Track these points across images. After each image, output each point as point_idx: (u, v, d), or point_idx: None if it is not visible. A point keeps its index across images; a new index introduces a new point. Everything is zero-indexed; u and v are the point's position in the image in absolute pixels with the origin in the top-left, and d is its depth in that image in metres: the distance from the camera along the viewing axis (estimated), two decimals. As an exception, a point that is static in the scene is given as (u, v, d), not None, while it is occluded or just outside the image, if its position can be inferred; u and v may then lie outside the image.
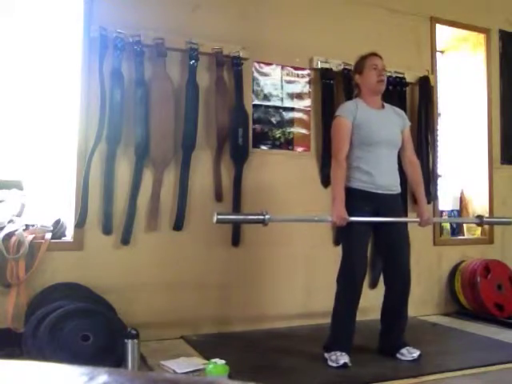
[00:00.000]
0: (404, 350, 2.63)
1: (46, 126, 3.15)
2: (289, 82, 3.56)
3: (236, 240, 3.29)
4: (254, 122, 3.42)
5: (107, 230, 2.99)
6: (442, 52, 4.41)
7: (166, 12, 3.20)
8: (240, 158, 3.31)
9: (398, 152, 2.82)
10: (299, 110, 3.58)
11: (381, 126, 2.69)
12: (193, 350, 2.81)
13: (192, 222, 3.19)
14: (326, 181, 3.58)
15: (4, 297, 2.68)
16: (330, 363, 2.53)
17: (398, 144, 2.78)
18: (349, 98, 3.57)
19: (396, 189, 2.75)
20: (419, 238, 3.75)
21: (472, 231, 4.26)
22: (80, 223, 2.92)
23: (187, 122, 3.14)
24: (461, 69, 4.38)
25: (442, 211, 4.19)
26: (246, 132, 3.33)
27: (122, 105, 2.99)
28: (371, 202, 2.65)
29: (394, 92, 3.71)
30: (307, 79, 3.62)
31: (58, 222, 2.96)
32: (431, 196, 3.89)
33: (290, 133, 3.54)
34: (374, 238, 2.86)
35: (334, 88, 3.62)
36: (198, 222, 3.20)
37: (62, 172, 3.11)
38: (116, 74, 3.00)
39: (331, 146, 2.82)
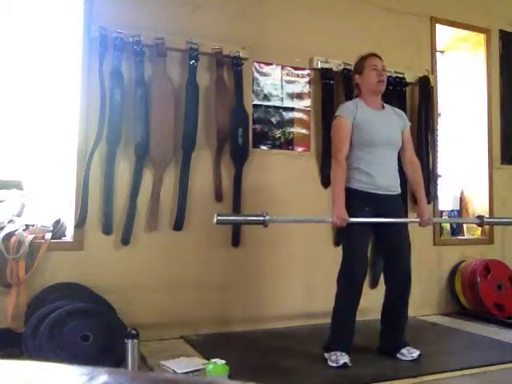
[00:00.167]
0: (404, 350, 2.63)
1: (46, 126, 3.15)
2: (289, 81, 3.56)
3: (236, 240, 3.29)
4: (254, 121, 3.42)
5: (107, 230, 2.99)
6: (441, 52, 4.41)
7: (165, 12, 3.20)
8: (240, 158, 3.31)
9: (398, 152, 2.82)
10: (299, 110, 3.58)
11: (381, 126, 2.69)
12: (193, 350, 2.81)
13: (192, 222, 3.19)
14: (326, 181, 3.58)
15: (4, 297, 2.68)
16: (330, 363, 2.53)
17: (398, 144, 2.78)
18: (349, 97, 3.57)
19: (396, 189, 2.75)
20: (419, 238, 3.75)
21: (472, 231, 4.26)
22: (80, 223, 2.92)
23: (187, 122, 3.14)
24: (461, 69, 4.39)
25: (441, 211, 4.19)
26: (246, 132, 3.33)
27: (121, 105, 2.99)
28: (371, 202, 2.65)
29: (394, 92, 3.71)
30: (307, 79, 3.62)
31: (58, 222, 2.96)
32: (431, 196, 3.89)
33: (290, 133, 3.54)
34: (374, 239, 2.86)
35: (333, 88, 3.62)
36: (198, 222, 3.20)
37: (62, 172, 3.11)
38: (116, 73, 3.00)
39: (331, 146, 2.82)
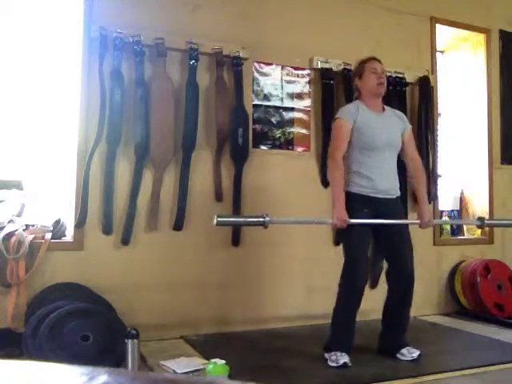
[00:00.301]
0: (404, 350, 2.63)
1: (46, 126, 3.15)
2: (289, 81, 3.56)
3: (236, 240, 3.29)
4: (254, 121, 3.42)
5: (107, 230, 2.99)
6: (441, 52, 4.41)
7: (165, 12, 3.20)
8: (240, 158, 3.31)
9: (399, 154, 2.82)
10: (299, 110, 3.58)
11: (381, 130, 2.69)
12: (193, 350, 2.81)
13: (192, 222, 3.19)
14: (325, 181, 3.58)
15: (4, 297, 2.68)
16: (330, 363, 2.53)
17: (398, 147, 2.78)
18: (349, 98, 3.58)
19: (395, 193, 2.75)
20: (419, 238, 3.74)
21: (472, 231, 4.26)
22: (80, 223, 2.92)
23: (187, 122, 3.14)
24: (461, 69, 4.38)
25: (441, 211, 4.19)
26: (246, 132, 3.33)
27: (122, 105, 2.99)
28: (371, 205, 2.65)
29: (394, 92, 3.71)
30: (307, 79, 3.62)
31: (58, 222, 2.96)
32: (431, 196, 3.89)
33: (290, 133, 3.54)
34: (375, 242, 2.85)
35: (333, 88, 3.62)
36: (198, 222, 3.20)
37: (62, 172, 3.11)
38: (116, 73, 3.00)
39: (329, 147, 2.82)
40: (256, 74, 3.46)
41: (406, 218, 3.55)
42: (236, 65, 3.31)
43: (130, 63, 3.06)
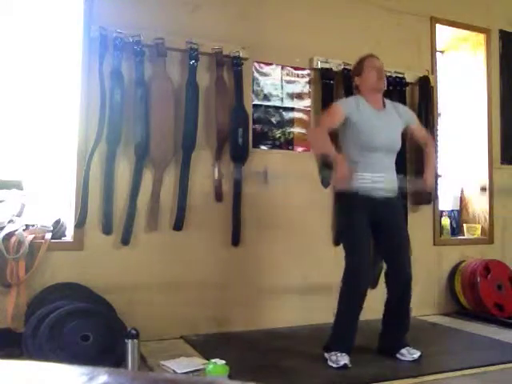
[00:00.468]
0: (404, 350, 2.63)
1: (46, 126, 3.15)
2: (289, 81, 3.56)
3: (236, 240, 3.29)
4: (254, 121, 3.42)
5: (107, 230, 2.99)
6: (441, 52, 4.41)
7: (165, 12, 3.20)
8: (240, 157, 3.31)
9: (411, 137, 2.85)
10: (299, 110, 3.58)
11: (381, 129, 2.67)
12: (193, 350, 2.81)
13: (192, 222, 3.19)
14: (325, 181, 3.58)
15: (4, 297, 2.68)
16: (330, 363, 2.52)
17: (398, 148, 2.77)
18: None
19: (394, 193, 2.74)
20: (419, 238, 3.75)
21: (472, 231, 4.26)
22: (80, 223, 2.92)
23: (187, 122, 3.14)
24: (461, 69, 4.38)
25: (441, 211, 4.19)
26: (246, 132, 3.32)
27: (122, 105, 2.99)
28: (370, 204, 2.64)
29: (394, 92, 3.70)
30: (307, 79, 3.62)
31: (58, 222, 2.96)
32: (431, 196, 3.89)
33: (289, 133, 3.54)
34: (374, 243, 2.84)
35: (333, 88, 3.62)
36: (198, 222, 3.20)
37: (62, 172, 3.11)
38: (116, 73, 3.00)
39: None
40: (256, 74, 3.46)
41: (406, 218, 3.55)
42: (236, 65, 3.31)
43: (130, 63, 3.06)
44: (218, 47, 3.25)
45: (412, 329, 2.78)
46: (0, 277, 2.67)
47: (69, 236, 3.00)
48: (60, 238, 2.96)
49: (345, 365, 2.48)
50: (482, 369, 2.50)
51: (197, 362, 2.53)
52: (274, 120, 3.50)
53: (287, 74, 3.56)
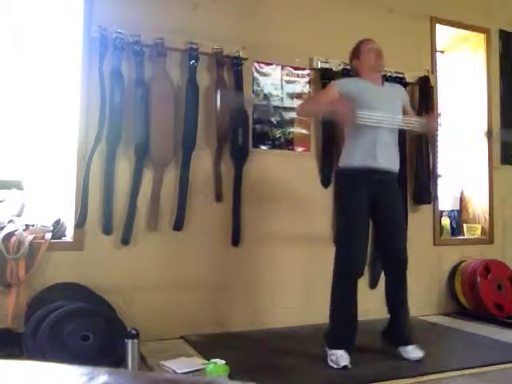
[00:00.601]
0: (410, 348, 2.63)
1: (46, 126, 3.15)
2: (289, 81, 3.56)
3: (236, 240, 3.29)
4: (254, 122, 3.42)
5: (107, 230, 2.99)
6: (442, 52, 4.41)
7: (165, 12, 3.20)
8: (240, 157, 3.31)
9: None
10: (299, 110, 3.58)
11: (382, 102, 2.68)
12: (193, 350, 2.81)
13: (192, 221, 3.19)
14: (325, 181, 3.59)
15: (4, 297, 2.68)
16: (331, 364, 2.52)
17: (399, 120, 2.75)
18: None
19: (395, 169, 2.72)
20: (419, 238, 3.75)
21: (472, 231, 4.26)
22: (80, 223, 2.92)
23: (187, 122, 3.14)
24: (461, 69, 4.38)
25: (442, 211, 4.19)
26: (246, 132, 3.33)
27: (121, 105, 2.99)
28: (370, 182, 2.62)
29: (394, 92, 3.71)
30: (307, 79, 3.62)
31: (58, 222, 2.96)
32: (431, 196, 3.89)
33: (290, 133, 3.54)
34: (373, 229, 2.82)
35: (333, 88, 3.61)
36: (198, 221, 3.20)
37: (62, 172, 3.11)
38: (116, 73, 3.00)
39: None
40: (256, 74, 3.46)
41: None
42: (236, 65, 3.31)
43: (130, 63, 3.06)
44: (218, 47, 3.25)
45: (412, 329, 2.78)
46: (0, 277, 2.67)
47: (69, 236, 3.00)
48: (60, 238, 2.96)
49: (345, 366, 2.47)
50: (482, 369, 2.50)
51: (197, 362, 2.53)
52: (274, 120, 3.50)
53: (287, 74, 3.56)
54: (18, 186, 2.98)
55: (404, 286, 2.71)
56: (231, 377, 2.25)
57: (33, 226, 2.82)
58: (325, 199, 3.53)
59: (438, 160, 4.00)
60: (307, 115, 2.75)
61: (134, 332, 2.24)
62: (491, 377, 2.42)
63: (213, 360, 2.31)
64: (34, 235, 2.76)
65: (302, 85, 3.60)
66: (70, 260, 2.90)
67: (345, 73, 3.58)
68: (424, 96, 3.90)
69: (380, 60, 2.76)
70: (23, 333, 2.43)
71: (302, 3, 3.60)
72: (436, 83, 4.02)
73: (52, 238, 2.85)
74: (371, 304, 3.45)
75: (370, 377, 2.38)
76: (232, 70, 3.32)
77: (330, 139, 3.58)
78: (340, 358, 2.50)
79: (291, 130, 3.55)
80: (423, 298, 3.77)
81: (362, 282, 3.48)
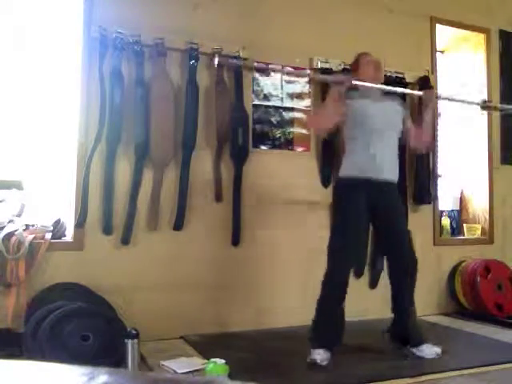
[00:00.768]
0: (424, 347, 2.64)
1: (46, 126, 3.15)
2: (289, 81, 3.56)
3: (236, 240, 3.29)
4: (254, 122, 3.42)
5: (107, 229, 2.99)
6: (442, 52, 4.41)
7: (165, 12, 3.20)
8: (240, 157, 3.31)
9: (403, 139, 2.85)
10: (299, 110, 3.58)
11: (381, 111, 2.71)
12: (193, 350, 2.81)
13: (192, 221, 3.19)
14: (326, 181, 3.59)
15: (4, 297, 2.68)
16: (308, 360, 2.50)
17: (399, 129, 2.78)
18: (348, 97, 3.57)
19: (394, 179, 2.73)
20: (419, 238, 3.74)
21: (472, 231, 4.26)
22: (80, 223, 2.92)
23: (187, 122, 3.14)
24: (461, 69, 4.38)
25: (442, 211, 4.19)
26: (246, 132, 3.33)
27: (121, 105, 2.99)
28: (368, 190, 2.63)
29: (394, 92, 3.70)
30: (307, 79, 3.62)
31: (57, 222, 2.96)
32: (431, 196, 3.89)
33: (290, 133, 3.54)
34: (373, 228, 2.82)
35: (333, 88, 3.62)
36: (198, 221, 3.20)
37: (62, 172, 3.11)
38: (116, 73, 3.00)
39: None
40: (256, 74, 3.46)
41: (407, 212, 3.55)
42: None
43: (130, 63, 3.06)
44: (218, 47, 3.25)
45: (421, 327, 2.78)
46: (0, 277, 2.67)
47: (69, 236, 3.00)
48: (60, 238, 2.96)
49: (312, 360, 2.45)
50: (482, 369, 2.50)
51: (197, 362, 2.53)
52: (274, 120, 3.50)
53: (287, 74, 3.56)
54: (18, 186, 2.98)
55: (411, 289, 2.71)
56: (231, 377, 2.25)
57: (33, 225, 2.82)
58: (325, 199, 3.53)
59: (438, 160, 4.00)
60: (319, 125, 2.75)
61: (134, 332, 2.24)
62: (491, 377, 2.42)
63: (212, 359, 2.31)
64: (34, 235, 2.76)
65: (301, 85, 3.60)
66: (70, 260, 2.90)
67: (345, 73, 3.58)
68: (424, 96, 3.89)
69: (379, 72, 2.80)
70: (23, 333, 2.43)
71: (302, 3, 3.60)
72: (436, 83, 4.02)
73: (52, 238, 2.85)
74: (371, 304, 3.46)
75: (370, 377, 2.38)
76: (232, 69, 3.32)
77: (330, 139, 3.57)
78: (317, 356, 2.49)
79: (291, 129, 3.55)
80: (423, 298, 3.76)
81: (362, 282, 3.50)
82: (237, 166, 3.30)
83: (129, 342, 2.22)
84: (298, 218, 3.47)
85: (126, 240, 3.01)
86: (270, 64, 3.49)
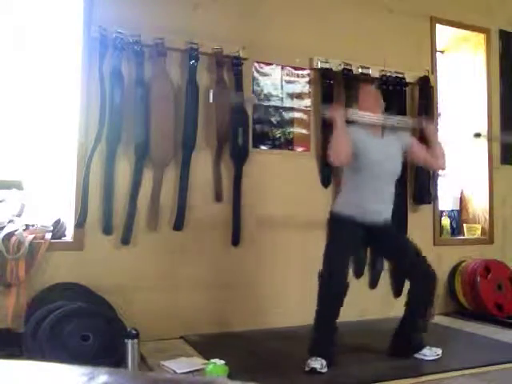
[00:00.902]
0: (425, 350, 2.64)
1: (46, 126, 3.15)
2: (289, 82, 3.56)
3: (236, 240, 3.29)
4: (254, 122, 3.42)
5: (107, 229, 2.99)
6: (442, 52, 4.41)
7: (166, 12, 3.20)
8: (240, 157, 3.31)
9: (413, 160, 2.88)
10: (299, 110, 3.58)
11: (380, 154, 2.66)
12: (193, 350, 2.81)
13: (192, 221, 3.19)
14: (325, 181, 3.59)
15: (4, 297, 2.68)
16: (306, 368, 2.45)
17: (398, 174, 2.77)
18: (349, 98, 3.57)
19: (388, 219, 2.72)
20: (419, 238, 3.74)
21: (472, 231, 4.26)
22: (80, 223, 2.92)
23: (187, 122, 3.14)
24: (461, 69, 4.38)
25: (442, 211, 4.19)
26: (246, 132, 3.33)
27: (121, 105, 2.99)
28: (362, 227, 2.64)
29: (394, 92, 3.71)
30: (307, 79, 3.62)
31: (57, 222, 2.96)
32: (431, 196, 3.89)
33: (290, 133, 3.54)
34: (376, 254, 2.82)
35: (333, 88, 3.62)
36: (198, 221, 3.20)
37: (62, 172, 3.11)
38: (116, 73, 3.00)
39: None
40: (256, 74, 3.46)
41: (406, 211, 3.54)
42: (236, 65, 3.31)
43: (130, 63, 3.06)
44: (218, 47, 3.25)
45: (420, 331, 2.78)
46: (0, 277, 2.67)
47: (69, 236, 3.00)
48: (60, 238, 2.96)
49: (313, 369, 2.42)
50: (482, 369, 2.50)
51: (197, 362, 2.53)
52: (274, 120, 3.50)
53: (287, 74, 3.56)
54: (18, 186, 2.98)
55: (429, 304, 2.72)
56: (231, 377, 2.25)
57: (33, 225, 2.82)
58: (325, 199, 3.53)
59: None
60: (339, 154, 2.68)
61: (134, 332, 2.24)
62: (491, 377, 2.42)
63: (212, 360, 2.31)
64: (34, 235, 2.76)
65: (301, 85, 3.60)
66: (70, 260, 2.90)
67: (345, 73, 3.59)
68: (424, 96, 3.89)
69: (377, 103, 2.77)
70: (23, 333, 2.43)
71: (302, 3, 3.60)
72: (436, 83, 4.02)
73: (52, 238, 2.85)
74: (371, 304, 3.46)
75: (372, 377, 2.38)
76: (232, 69, 3.32)
77: (330, 139, 3.58)
78: (317, 365, 2.44)
79: (291, 130, 3.54)
80: (423, 298, 3.77)
81: (362, 282, 3.50)
82: (237, 166, 3.30)
83: (129, 342, 2.22)
84: (297, 218, 3.47)
85: (125, 240, 3.01)
86: (270, 64, 3.50)
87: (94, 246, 2.97)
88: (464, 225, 4.31)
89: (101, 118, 2.95)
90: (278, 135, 3.50)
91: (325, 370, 2.44)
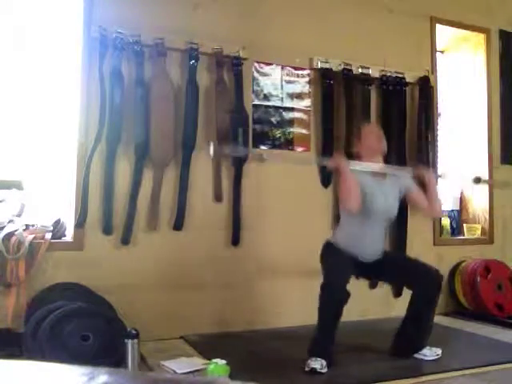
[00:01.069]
0: (426, 351, 2.64)
1: (46, 126, 3.15)
2: (289, 82, 3.56)
3: (236, 240, 3.29)
4: (254, 122, 3.42)
5: (107, 229, 2.99)
6: (442, 52, 4.41)
7: (166, 12, 3.20)
8: (240, 158, 3.31)
9: (411, 203, 2.91)
10: (299, 110, 3.58)
11: (380, 198, 2.69)
12: (193, 350, 2.81)
13: (192, 221, 3.19)
14: (325, 181, 3.59)
15: (4, 297, 2.68)
16: (306, 368, 2.45)
17: (393, 217, 2.81)
18: (349, 98, 3.58)
19: (380, 253, 2.77)
20: (419, 237, 3.75)
21: (472, 231, 4.26)
22: (80, 223, 2.92)
23: (187, 122, 3.14)
24: (461, 69, 4.38)
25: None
26: (246, 132, 3.33)
27: (121, 105, 2.99)
28: (355, 260, 2.69)
29: (394, 92, 3.71)
30: (307, 79, 3.62)
31: (57, 222, 2.96)
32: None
33: (290, 133, 3.54)
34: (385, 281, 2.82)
35: (333, 88, 3.62)
36: (198, 221, 3.20)
37: (62, 172, 3.11)
38: (116, 73, 3.00)
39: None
40: (256, 74, 3.46)
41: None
42: (236, 65, 3.31)
43: (130, 63, 3.06)
44: (218, 47, 3.25)
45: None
46: (0, 277, 2.67)
47: (69, 236, 3.00)
48: (60, 238, 2.96)
49: (313, 369, 2.42)
50: (482, 369, 2.50)
51: (197, 362, 2.53)
52: (274, 120, 3.50)
53: (287, 74, 3.56)
54: (18, 186, 2.98)
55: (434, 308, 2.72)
56: (231, 377, 2.25)
57: (33, 225, 2.82)
58: (325, 199, 3.53)
59: (438, 160, 4.00)
60: (352, 199, 2.67)
61: (134, 332, 2.24)
62: (491, 377, 2.42)
63: (214, 360, 2.31)
64: (34, 235, 2.76)
65: (301, 85, 3.60)
66: (69, 260, 2.90)
67: (345, 73, 3.59)
68: (424, 96, 3.89)
69: (380, 143, 2.79)
70: (23, 333, 2.43)
71: (302, 3, 3.60)
72: (436, 83, 4.02)
73: (52, 238, 2.85)
74: (371, 304, 3.46)
75: (372, 377, 2.38)
76: (232, 70, 3.32)
77: (330, 139, 3.58)
78: (313, 361, 2.45)
79: (291, 130, 3.55)
80: (423, 298, 3.77)
81: (362, 282, 3.50)
82: (237, 166, 3.30)
83: (129, 342, 2.22)
84: (297, 217, 3.47)
85: (126, 240, 3.01)
86: (270, 64, 3.50)
87: (94, 246, 2.97)
88: (464, 225, 4.31)
89: (101, 118, 2.95)
90: (278, 135, 3.50)
91: (325, 370, 2.44)
